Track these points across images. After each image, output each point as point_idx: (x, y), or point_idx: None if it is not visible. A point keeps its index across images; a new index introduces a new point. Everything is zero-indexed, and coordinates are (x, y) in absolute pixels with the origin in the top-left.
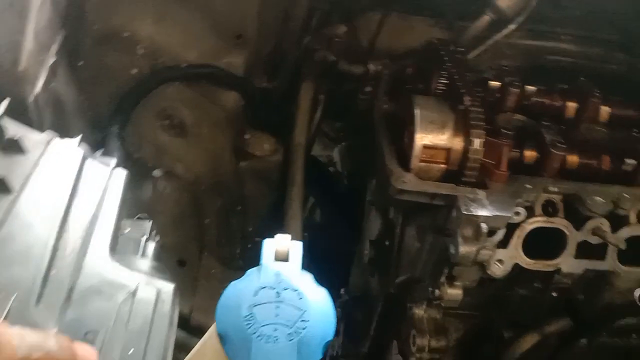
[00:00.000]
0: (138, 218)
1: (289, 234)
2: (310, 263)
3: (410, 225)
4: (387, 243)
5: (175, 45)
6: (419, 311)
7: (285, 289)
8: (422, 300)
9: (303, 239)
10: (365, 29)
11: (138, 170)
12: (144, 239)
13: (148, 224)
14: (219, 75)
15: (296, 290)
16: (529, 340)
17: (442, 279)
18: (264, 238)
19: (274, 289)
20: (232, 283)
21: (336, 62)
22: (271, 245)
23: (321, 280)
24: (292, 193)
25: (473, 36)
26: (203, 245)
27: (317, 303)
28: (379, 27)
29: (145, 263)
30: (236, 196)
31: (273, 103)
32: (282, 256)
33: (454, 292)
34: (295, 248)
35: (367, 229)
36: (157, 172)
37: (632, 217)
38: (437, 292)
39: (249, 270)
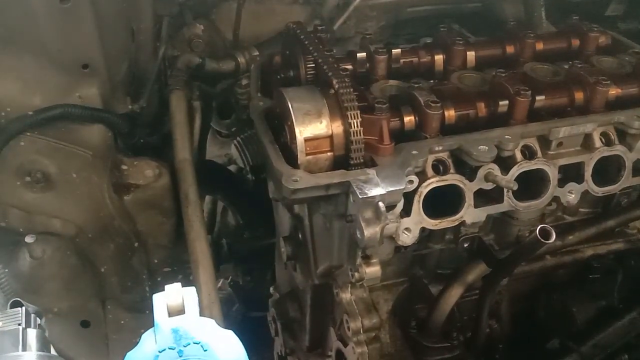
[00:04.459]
0: (13, 302)
1: (195, 259)
2: (237, 266)
3: (317, 216)
4: (300, 237)
5: (14, 95)
6: (346, 295)
7: (187, 345)
8: (346, 283)
9: (220, 248)
10: (224, 22)
11: (8, 241)
12: (20, 328)
13: (22, 310)
14: (72, 112)
15: (198, 343)
16: (455, 294)
17: (358, 260)
18: (173, 268)
19: (174, 348)
20: (128, 354)
21: (202, 64)
22: (162, 300)
23: (252, 280)
24: (189, 214)
25: (333, 6)
26: (105, 297)
27: (224, 349)
28: (237, 16)
29: (30, 357)
30: (129, 234)
31: (146, 124)
32: (177, 309)
33: (372, 270)
34: (188, 295)
35: (278, 226)
36: (29, 238)
37: (518, 156)
38: (356, 274)
39: (143, 335)
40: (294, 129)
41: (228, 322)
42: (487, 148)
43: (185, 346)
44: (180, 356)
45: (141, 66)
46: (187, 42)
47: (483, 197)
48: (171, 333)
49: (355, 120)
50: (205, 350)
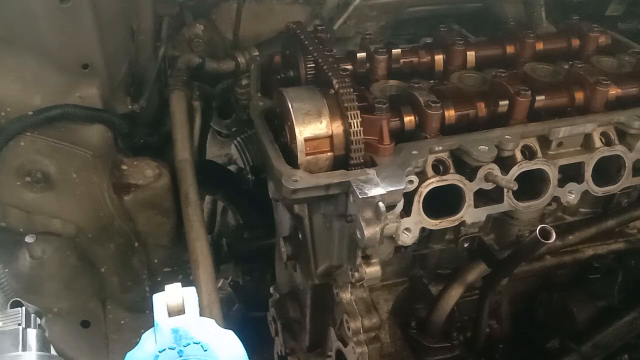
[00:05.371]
0: (13, 302)
1: (195, 259)
2: (237, 266)
3: (317, 215)
4: (300, 237)
5: (14, 94)
6: (346, 295)
7: (187, 345)
8: (346, 283)
9: (220, 248)
10: (224, 22)
11: (8, 241)
12: (20, 328)
13: (22, 310)
14: (72, 112)
15: (198, 343)
16: (455, 294)
17: (358, 260)
18: (173, 268)
19: (174, 348)
20: (128, 354)
21: (202, 64)
22: (162, 300)
23: (252, 280)
24: (189, 214)
25: (333, 6)
26: (105, 297)
27: (224, 349)
28: (237, 16)
29: (30, 357)
30: (129, 234)
31: (146, 124)
32: (177, 309)
33: (373, 270)
34: (188, 295)
35: (278, 226)
36: (29, 238)
37: (518, 156)
38: (356, 274)
39: (143, 335)
40: (294, 129)
41: (228, 322)
42: (487, 148)
43: (185, 346)
44: (180, 356)
45: (141, 66)
46: (187, 42)
47: (483, 197)
48: (171, 333)
49: (355, 120)
50: (205, 350)
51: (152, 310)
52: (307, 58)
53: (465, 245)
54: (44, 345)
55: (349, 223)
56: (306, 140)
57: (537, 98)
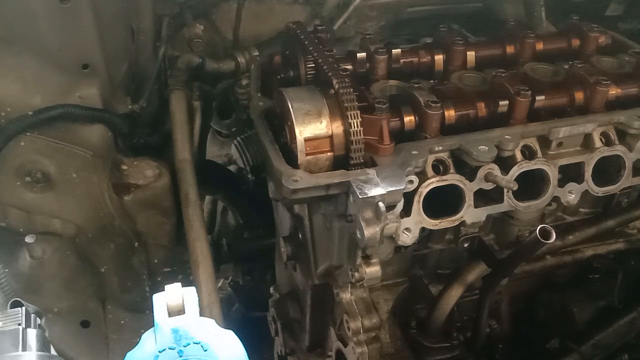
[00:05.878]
0: (13, 302)
1: (195, 259)
2: (237, 266)
3: (317, 215)
4: (300, 237)
5: (14, 94)
6: (346, 295)
7: (187, 345)
8: (346, 283)
9: (220, 248)
10: (225, 22)
11: (8, 241)
12: (20, 328)
13: (22, 310)
14: (72, 112)
15: (198, 343)
16: (455, 294)
17: (358, 260)
18: (173, 268)
19: (174, 348)
20: (128, 354)
21: (202, 64)
22: (162, 300)
23: (252, 280)
24: (189, 214)
25: (333, 6)
26: (105, 297)
27: (224, 349)
28: (237, 16)
29: (30, 357)
30: (129, 234)
31: (146, 124)
32: (177, 309)
33: (373, 270)
34: (188, 295)
35: (278, 226)
36: (29, 238)
37: (518, 156)
38: (356, 274)
39: (143, 335)
40: (294, 129)
41: (228, 322)
42: (487, 148)
43: (185, 346)
44: (180, 356)
45: (141, 66)
46: (187, 42)
47: (483, 197)
48: (171, 333)
49: (355, 120)
50: (205, 350)
51: (152, 310)
52: (307, 58)
53: (465, 245)
54: (44, 345)
55: (349, 223)
56: (306, 140)
57: (537, 98)
